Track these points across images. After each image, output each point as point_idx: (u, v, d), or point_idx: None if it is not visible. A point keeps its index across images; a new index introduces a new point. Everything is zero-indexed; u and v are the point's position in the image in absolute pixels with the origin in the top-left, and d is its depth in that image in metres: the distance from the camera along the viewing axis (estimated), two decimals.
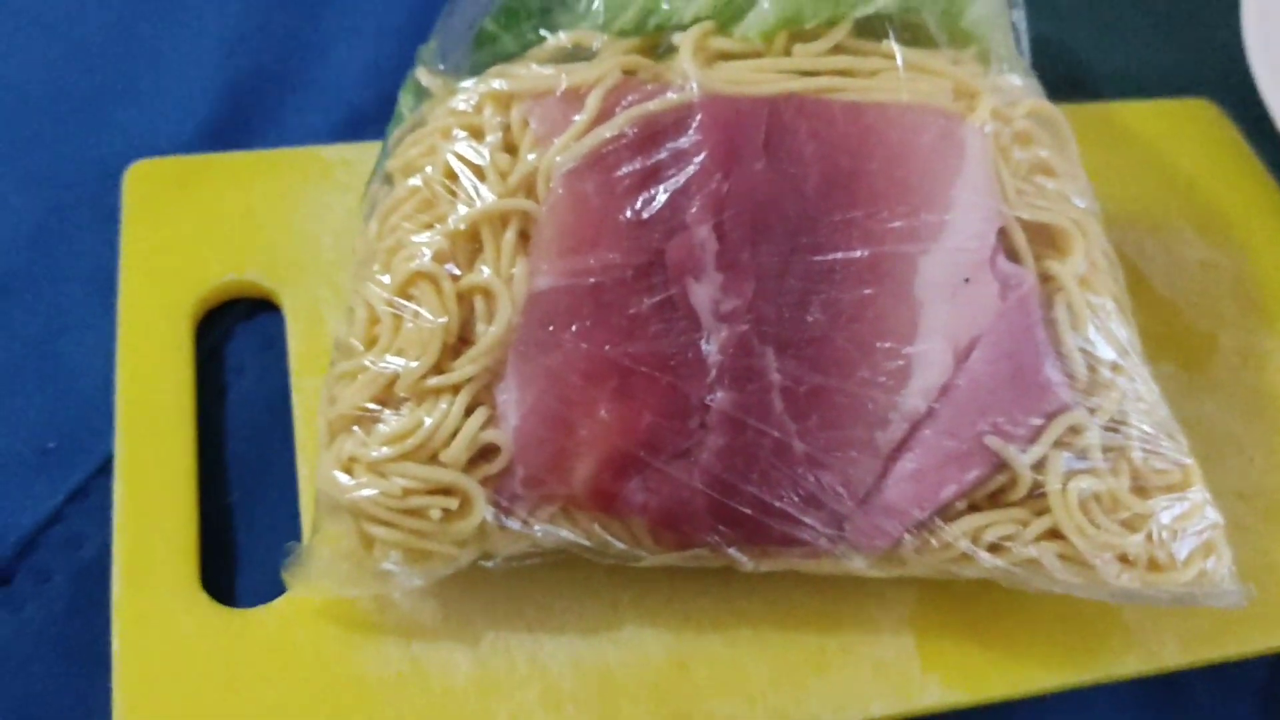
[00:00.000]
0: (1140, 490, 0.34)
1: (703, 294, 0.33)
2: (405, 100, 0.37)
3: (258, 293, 0.43)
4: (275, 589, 0.36)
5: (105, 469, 0.39)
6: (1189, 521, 0.34)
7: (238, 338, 0.43)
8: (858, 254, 0.33)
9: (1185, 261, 0.49)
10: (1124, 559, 0.34)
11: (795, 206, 0.33)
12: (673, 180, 0.33)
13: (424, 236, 0.34)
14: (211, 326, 0.43)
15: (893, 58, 0.35)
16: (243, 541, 0.38)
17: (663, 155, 0.33)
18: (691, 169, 0.33)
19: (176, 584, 0.36)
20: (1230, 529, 0.36)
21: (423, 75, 0.36)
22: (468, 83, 0.35)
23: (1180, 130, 0.54)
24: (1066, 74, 0.57)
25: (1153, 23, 0.61)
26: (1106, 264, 0.36)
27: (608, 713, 0.35)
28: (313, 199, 0.45)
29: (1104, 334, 0.35)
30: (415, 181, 0.34)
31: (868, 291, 0.33)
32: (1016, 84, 0.37)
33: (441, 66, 0.36)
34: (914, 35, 0.36)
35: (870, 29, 0.35)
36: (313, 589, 0.34)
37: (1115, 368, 0.35)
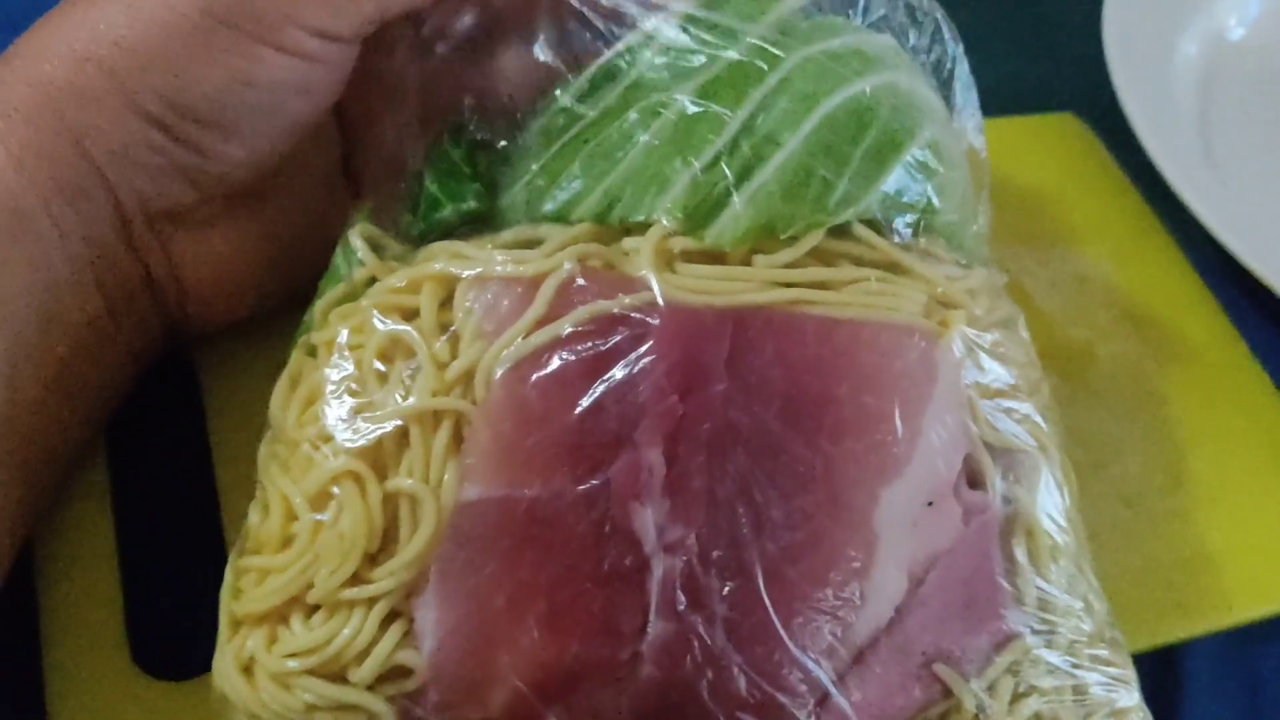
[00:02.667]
0: (1081, 703, 0.33)
1: (647, 519, 0.30)
2: (341, 254, 0.34)
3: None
4: (208, 659, 0.33)
5: None
6: None
7: (150, 397, 0.40)
8: (818, 488, 0.31)
9: (1060, 275, 0.50)
10: None
11: (755, 433, 0.31)
12: (624, 393, 0.30)
13: (350, 431, 0.31)
14: None
15: (862, 264, 0.33)
16: (172, 610, 0.36)
17: (615, 364, 0.31)
18: (645, 385, 0.30)
19: (107, 660, 0.35)
20: (1117, 535, 0.41)
21: (357, 241, 0.33)
22: (411, 258, 0.32)
23: (1047, 145, 0.54)
24: None
25: (1013, 38, 0.62)
26: (1063, 477, 0.35)
27: None
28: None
29: (1059, 560, 0.33)
30: (343, 366, 0.31)
31: (825, 524, 0.31)
32: (984, 276, 0.35)
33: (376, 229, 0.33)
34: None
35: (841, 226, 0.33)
36: None
37: (1068, 589, 0.33)
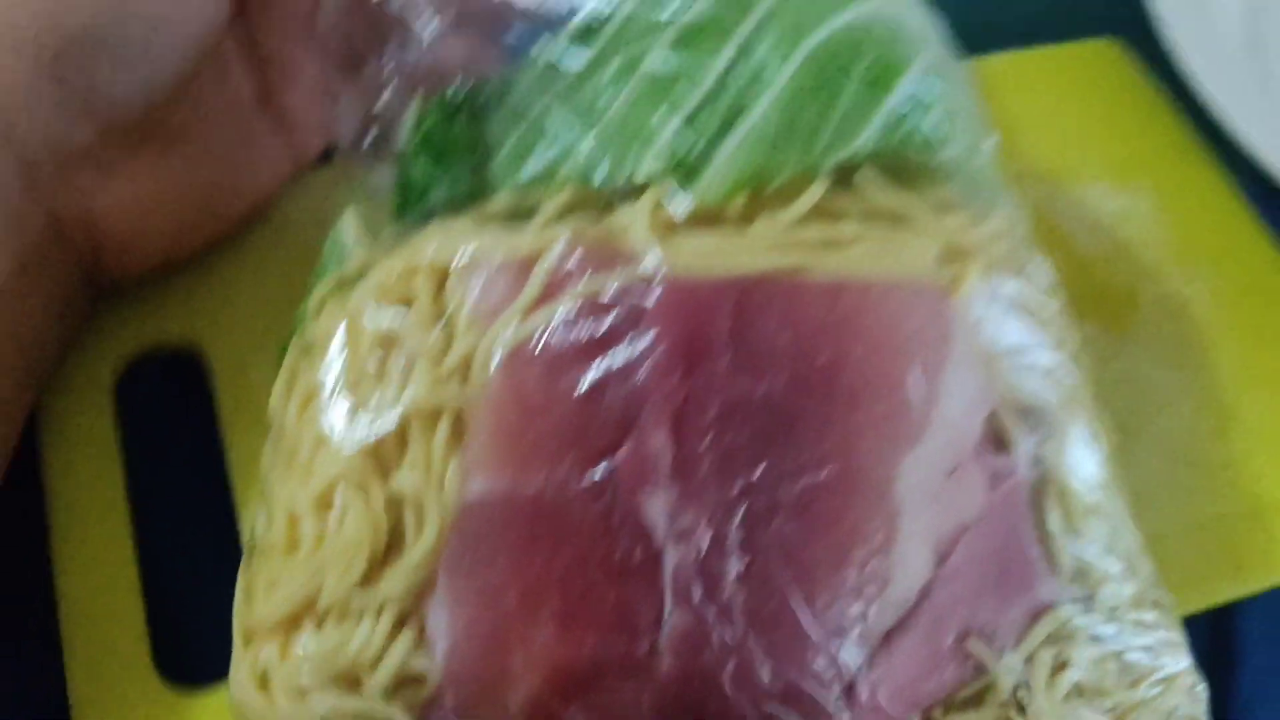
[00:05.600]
0: (1126, 670, 0.31)
1: (657, 507, 0.29)
2: (331, 243, 0.33)
3: (174, 347, 0.41)
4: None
5: None
6: (1173, 697, 0.32)
7: (159, 396, 0.41)
8: (833, 461, 0.29)
9: (1100, 214, 0.47)
10: None
11: (765, 407, 0.29)
12: (626, 374, 0.29)
13: (350, 430, 0.30)
14: (129, 386, 0.40)
15: (870, 219, 0.31)
16: (193, 615, 0.36)
17: (616, 344, 0.29)
18: (647, 365, 0.29)
19: (129, 669, 0.35)
20: (1166, 489, 0.39)
21: (348, 229, 0.32)
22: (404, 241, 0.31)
23: (1087, 74, 0.51)
24: (967, 25, 0.55)
25: None
26: (1097, 430, 0.33)
27: None
28: (222, 242, 0.41)
29: (1095, 520, 0.32)
30: (337, 363, 0.30)
31: (843, 500, 0.29)
32: (1000, 221, 0.33)
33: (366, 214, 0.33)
34: (891, 172, 0.32)
35: (841, 173, 0.31)
36: None
37: (1107, 550, 0.32)
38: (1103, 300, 0.45)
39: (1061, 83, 0.51)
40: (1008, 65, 0.50)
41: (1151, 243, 0.47)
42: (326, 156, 0.43)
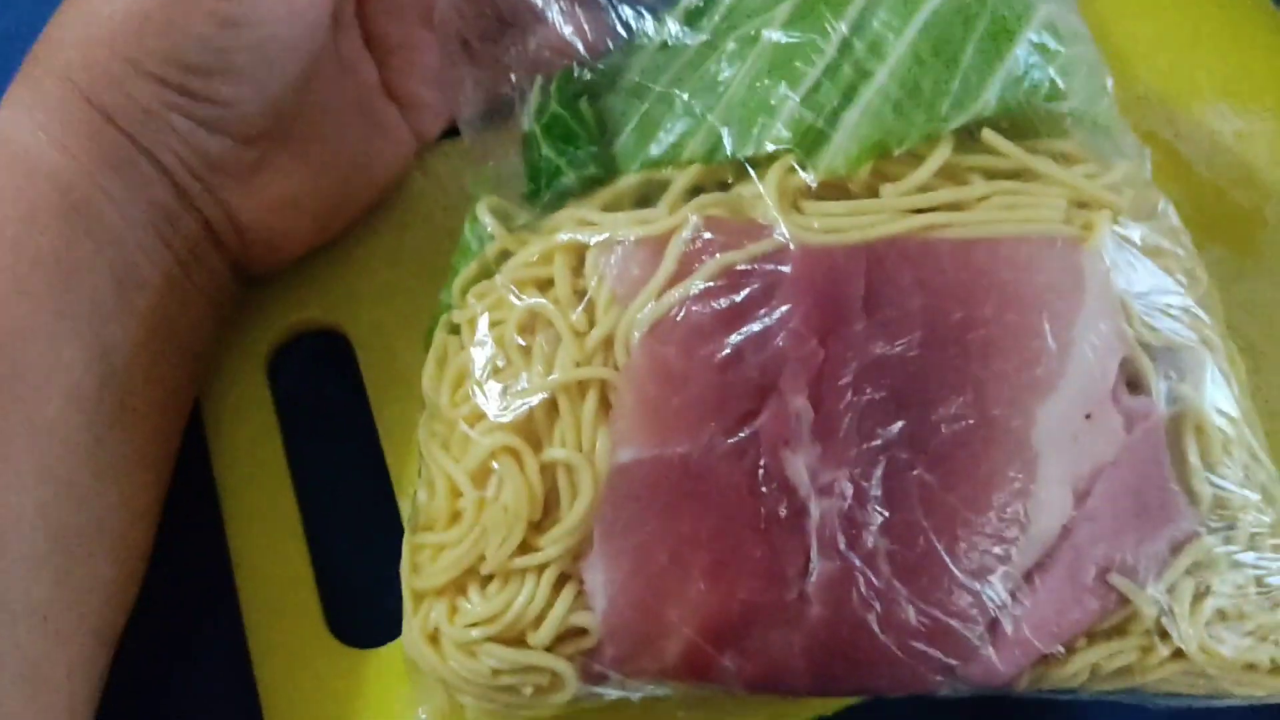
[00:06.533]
0: (1267, 594, 0.32)
1: (799, 464, 0.30)
2: (470, 229, 0.35)
3: (320, 326, 0.43)
4: (396, 626, 0.35)
5: None
6: None
7: (308, 375, 0.43)
8: (970, 412, 0.30)
9: (1221, 135, 0.46)
10: (1249, 667, 0.32)
11: (901, 367, 0.30)
12: (763, 343, 0.30)
13: (502, 406, 0.32)
14: (279, 367, 0.43)
15: (994, 176, 0.31)
16: (358, 579, 0.39)
17: (751, 314, 0.31)
18: (783, 332, 0.30)
19: (305, 632, 0.38)
20: None
21: (485, 216, 0.33)
22: (538, 226, 0.33)
23: None
24: None
25: None
26: (1231, 371, 0.33)
27: None
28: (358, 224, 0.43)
29: (1233, 452, 0.32)
30: (487, 345, 0.32)
31: (981, 449, 0.30)
32: (1125, 168, 0.33)
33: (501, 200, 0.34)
34: (1013, 125, 0.33)
35: (965, 134, 0.32)
36: None
37: (1245, 481, 0.32)
38: (1227, 223, 0.44)
39: (1174, 3, 0.49)
40: None
41: (1273, 163, 0.46)
42: (445, 134, 0.45)
